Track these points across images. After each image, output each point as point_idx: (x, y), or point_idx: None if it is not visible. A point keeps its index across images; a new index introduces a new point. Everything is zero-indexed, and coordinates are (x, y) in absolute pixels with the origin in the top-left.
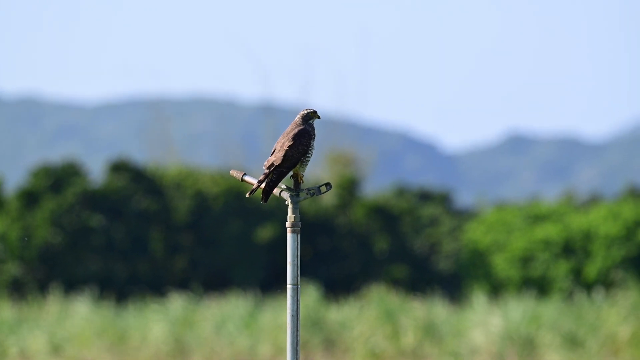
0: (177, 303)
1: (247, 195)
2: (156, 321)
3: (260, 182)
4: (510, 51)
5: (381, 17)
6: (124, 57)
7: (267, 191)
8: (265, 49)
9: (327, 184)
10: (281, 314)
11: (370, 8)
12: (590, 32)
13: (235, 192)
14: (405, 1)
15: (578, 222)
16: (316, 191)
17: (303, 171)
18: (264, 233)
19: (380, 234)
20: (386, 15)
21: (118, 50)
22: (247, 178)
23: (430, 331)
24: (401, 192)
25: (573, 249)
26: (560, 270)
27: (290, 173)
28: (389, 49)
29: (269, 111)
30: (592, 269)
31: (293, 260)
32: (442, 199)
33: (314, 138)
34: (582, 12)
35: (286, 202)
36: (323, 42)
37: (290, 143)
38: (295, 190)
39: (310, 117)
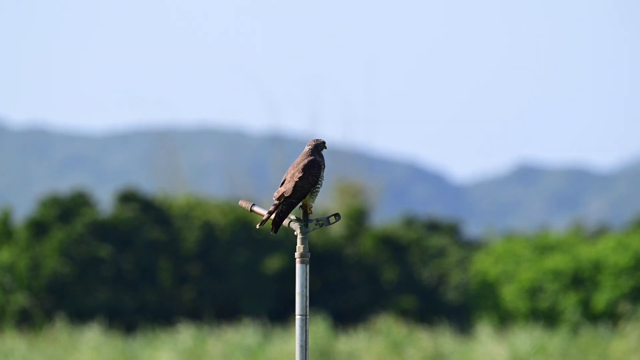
0: (186, 333)
1: (258, 226)
2: (165, 351)
3: (270, 212)
4: (518, 81)
5: (388, 47)
6: (132, 87)
7: (277, 222)
8: (273, 80)
9: (336, 215)
10: (290, 344)
11: (378, 39)
12: (599, 63)
13: (243, 223)
14: (413, 32)
15: (587, 252)
16: (325, 222)
17: (313, 202)
18: (272, 263)
19: (389, 265)
20: (393, 46)
21: (126, 81)
22: (256, 209)
23: None
24: (409, 222)
25: (582, 280)
26: (569, 301)
27: (300, 203)
28: (396, 79)
29: (277, 141)
30: (600, 300)
31: (302, 291)
32: (451, 230)
33: (323, 169)
34: (592, 43)
35: (295, 233)
36: (331, 73)
37: (300, 174)
38: (304, 220)
39: (320, 147)
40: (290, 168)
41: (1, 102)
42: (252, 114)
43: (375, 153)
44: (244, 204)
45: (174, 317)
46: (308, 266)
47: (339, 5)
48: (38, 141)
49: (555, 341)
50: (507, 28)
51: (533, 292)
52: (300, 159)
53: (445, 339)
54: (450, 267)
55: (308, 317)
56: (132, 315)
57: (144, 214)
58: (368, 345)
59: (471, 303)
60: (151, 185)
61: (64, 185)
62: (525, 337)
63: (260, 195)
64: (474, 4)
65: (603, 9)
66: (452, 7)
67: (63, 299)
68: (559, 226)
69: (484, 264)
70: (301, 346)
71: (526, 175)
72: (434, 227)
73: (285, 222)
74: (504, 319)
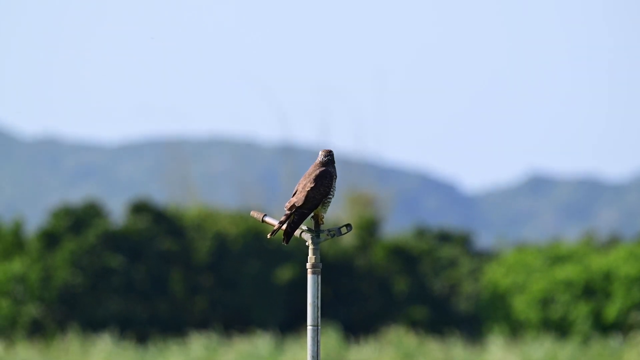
0: (197, 343)
1: (269, 236)
2: None
3: (281, 223)
4: (529, 91)
5: (399, 57)
6: (143, 98)
7: (289, 232)
8: (283, 90)
9: (348, 225)
10: (301, 355)
11: (388, 49)
12: (612, 74)
13: (254, 233)
14: (423, 42)
15: (598, 263)
16: (337, 232)
17: (325, 212)
18: (284, 274)
19: (400, 275)
20: (404, 55)
21: (137, 91)
22: (267, 219)
23: None
24: (421, 233)
25: (593, 290)
26: (580, 311)
27: (311, 214)
28: (407, 89)
29: (288, 152)
30: (612, 310)
31: (313, 302)
32: (462, 240)
33: (335, 179)
34: (603, 52)
35: (307, 243)
36: (341, 83)
37: (312, 184)
38: (316, 231)
39: (332, 157)
40: (302, 178)
41: (12, 113)
42: (263, 124)
43: (386, 163)
44: (255, 214)
45: (185, 328)
46: (320, 277)
47: (349, 15)
48: (49, 152)
49: (567, 352)
50: (518, 38)
51: (544, 302)
52: (312, 169)
53: (456, 350)
54: (461, 278)
55: (320, 327)
56: (143, 325)
57: (156, 224)
58: (379, 356)
59: (482, 313)
60: (163, 195)
61: (76, 195)
62: (537, 348)
63: (271, 205)
64: (484, 15)
65: (617, 19)
66: (462, 19)
67: (75, 309)
68: (570, 236)
69: (495, 275)
70: (312, 357)
71: (537, 185)
72: (445, 237)
73: (297, 233)
74: (516, 329)
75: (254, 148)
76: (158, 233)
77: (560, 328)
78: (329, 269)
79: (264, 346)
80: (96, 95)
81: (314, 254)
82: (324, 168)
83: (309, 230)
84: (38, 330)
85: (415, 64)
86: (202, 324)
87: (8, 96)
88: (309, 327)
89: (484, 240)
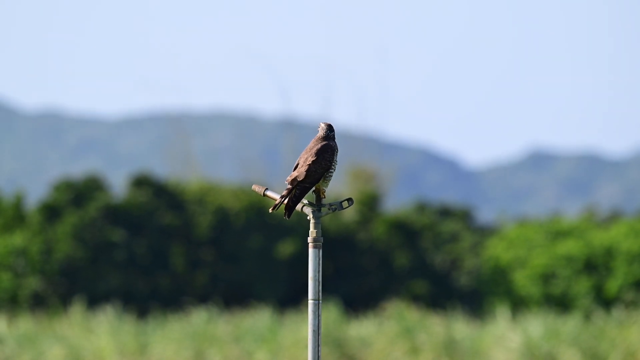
0: (197, 318)
1: (270, 210)
2: (177, 336)
3: (283, 197)
4: (531, 67)
5: (401, 32)
6: (144, 72)
7: (290, 207)
8: (285, 65)
9: (349, 199)
10: (301, 330)
11: (391, 24)
12: (612, 49)
13: (256, 208)
14: (425, 17)
15: (599, 238)
16: (338, 206)
17: (326, 187)
18: (285, 248)
19: (401, 250)
20: (406, 30)
21: (139, 65)
22: (269, 193)
23: (449, 348)
24: (422, 208)
25: (594, 266)
26: (582, 286)
27: (313, 188)
28: (409, 64)
29: (289, 126)
30: (613, 286)
31: (314, 276)
32: (463, 215)
33: (336, 153)
34: (605, 31)
35: (308, 218)
36: (343, 57)
37: (313, 158)
38: (317, 205)
39: (332, 131)
40: (303, 153)
41: (14, 87)
42: (264, 99)
43: (388, 138)
44: (257, 188)
45: (186, 302)
46: (321, 251)
47: None
48: (51, 125)
49: (568, 327)
50: (521, 15)
51: (546, 277)
52: (314, 143)
53: (457, 325)
54: (462, 253)
55: (321, 301)
56: (144, 299)
57: (157, 198)
58: (380, 330)
59: (484, 288)
60: (164, 169)
61: (77, 169)
62: (538, 323)
63: (272, 180)
64: None
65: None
66: None
67: (76, 283)
68: (571, 212)
69: (496, 250)
70: (314, 331)
71: (539, 161)
72: (446, 212)
73: (299, 207)
74: (517, 304)
75: (255, 122)
76: (159, 207)
77: (561, 303)
78: (330, 243)
79: (265, 320)
80: (98, 69)
81: (315, 228)
82: (325, 142)
83: (310, 204)
84: (39, 304)
85: (418, 40)
86: (203, 299)
87: (10, 70)
88: (310, 301)
89: (485, 215)
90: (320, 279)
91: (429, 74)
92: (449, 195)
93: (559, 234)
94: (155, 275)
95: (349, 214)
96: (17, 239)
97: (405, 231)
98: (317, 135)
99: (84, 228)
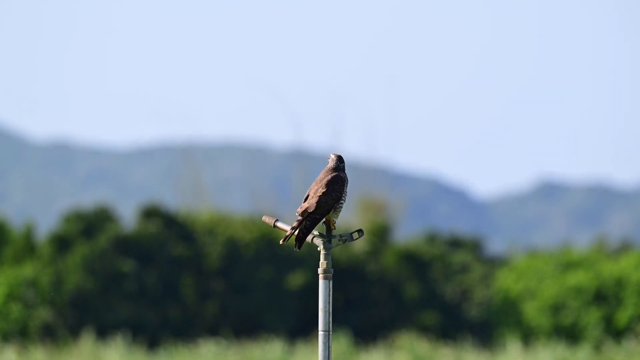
0: (208, 349)
1: (281, 242)
2: None
3: (294, 228)
4: (540, 98)
5: (411, 63)
6: (155, 102)
7: (301, 238)
8: (295, 95)
9: (360, 231)
10: None
11: (400, 55)
12: (622, 80)
13: (266, 239)
14: (435, 49)
15: (609, 269)
16: (348, 237)
17: (336, 218)
18: (295, 279)
19: (411, 281)
20: (416, 61)
21: (149, 96)
22: (279, 224)
23: None
24: (432, 238)
25: (604, 296)
26: (592, 317)
27: (323, 219)
28: (418, 94)
29: (300, 157)
30: (623, 316)
31: (325, 307)
32: (473, 246)
33: (347, 184)
34: (615, 61)
35: (318, 249)
36: (353, 88)
37: (323, 190)
38: (328, 236)
39: (342, 162)
40: (313, 184)
41: (25, 117)
42: (274, 129)
43: (397, 169)
44: (267, 219)
45: (196, 333)
46: (331, 282)
47: (361, 21)
48: (61, 156)
49: (578, 358)
50: (529, 44)
51: (556, 308)
52: (324, 174)
53: (467, 356)
54: (472, 284)
55: (331, 333)
56: (154, 330)
57: (167, 229)
58: None
59: (494, 319)
60: (174, 200)
61: (87, 200)
62: (548, 354)
63: (283, 211)
64: (496, 22)
65: (633, 25)
66: (474, 24)
67: (86, 314)
68: (581, 243)
69: (506, 281)
70: None
71: (549, 191)
72: (456, 243)
73: (309, 238)
74: (527, 335)
75: (265, 153)
76: (169, 238)
77: (571, 334)
78: (340, 274)
79: (275, 351)
80: (108, 99)
81: (325, 259)
82: (335, 173)
83: (321, 235)
84: (49, 335)
85: (427, 70)
86: (213, 329)
87: (20, 100)
88: (320, 333)
89: (495, 246)
90: (331, 310)
91: (439, 105)
92: (459, 226)
93: (569, 264)
94: (166, 306)
95: (359, 244)
96: (28, 270)
97: (415, 262)
98: (328, 166)
99: (94, 259)
